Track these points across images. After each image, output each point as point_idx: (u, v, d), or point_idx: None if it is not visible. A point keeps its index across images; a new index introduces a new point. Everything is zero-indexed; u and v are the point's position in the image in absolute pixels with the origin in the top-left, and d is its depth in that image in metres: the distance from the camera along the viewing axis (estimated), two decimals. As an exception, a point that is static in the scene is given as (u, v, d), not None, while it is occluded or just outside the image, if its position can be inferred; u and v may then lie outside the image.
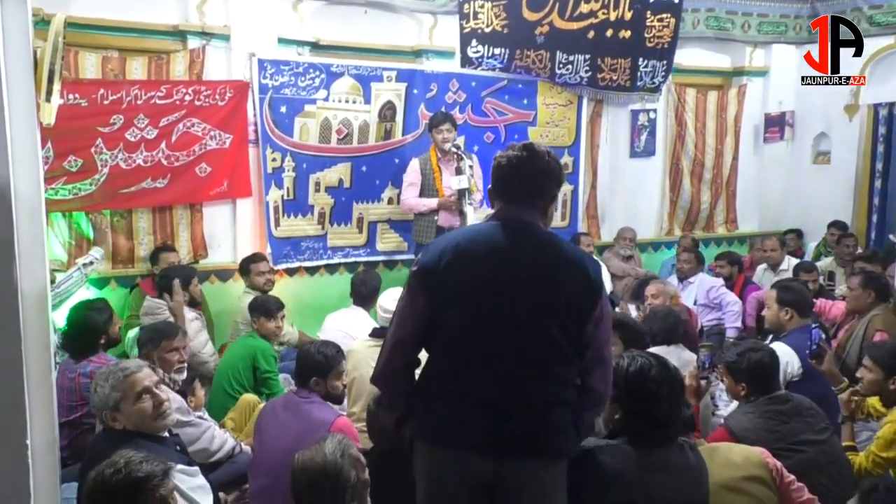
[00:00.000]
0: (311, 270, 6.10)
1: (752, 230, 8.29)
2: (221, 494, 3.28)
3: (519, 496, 2.30)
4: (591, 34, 6.71)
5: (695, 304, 5.95)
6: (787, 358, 3.73)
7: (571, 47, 6.69)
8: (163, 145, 5.30)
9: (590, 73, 6.87)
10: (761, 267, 6.82)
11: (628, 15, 6.81)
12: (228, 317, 5.35)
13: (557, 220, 7.12)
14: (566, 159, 7.08)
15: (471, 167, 5.51)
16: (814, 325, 3.98)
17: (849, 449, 3.29)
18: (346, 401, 3.68)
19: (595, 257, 6.86)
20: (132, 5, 5.26)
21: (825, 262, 6.87)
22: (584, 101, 7.09)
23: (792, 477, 2.58)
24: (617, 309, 5.44)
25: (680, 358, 3.76)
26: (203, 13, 5.43)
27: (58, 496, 2.59)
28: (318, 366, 3.26)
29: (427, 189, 5.72)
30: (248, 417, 3.99)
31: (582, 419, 2.38)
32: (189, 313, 4.68)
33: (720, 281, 6.22)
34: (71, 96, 4.83)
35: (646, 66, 7.14)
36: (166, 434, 2.79)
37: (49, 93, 2.40)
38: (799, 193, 8.33)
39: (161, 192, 5.39)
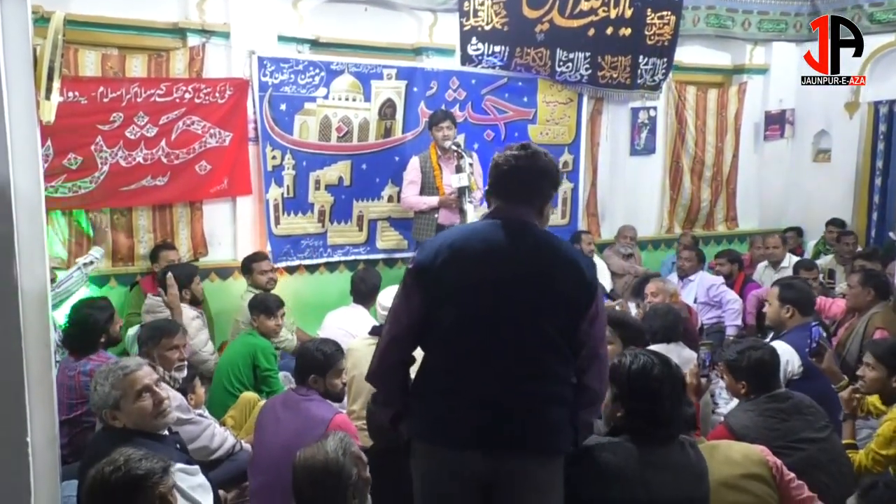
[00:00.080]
0: (311, 268, 6.10)
1: (753, 228, 8.29)
2: (221, 492, 3.28)
3: (516, 494, 2.30)
4: (591, 32, 6.70)
5: (695, 302, 5.95)
6: (788, 356, 3.73)
7: (571, 45, 6.68)
8: (163, 143, 5.30)
9: (590, 71, 6.86)
10: (762, 264, 6.83)
11: (629, 12, 6.80)
12: (228, 315, 5.35)
13: (557, 218, 7.12)
14: (566, 157, 7.08)
15: (471, 165, 5.51)
16: (814, 324, 3.98)
17: (849, 447, 3.28)
18: (345, 398, 3.68)
19: (596, 255, 6.88)
20: (132, 3, 5.25)
21: (825, 260, 6.88)
22: (585, 99, 7.09)
23: (792, 475, 2.59)
24: (617, 306, 5.44)
25: (680, 356, 3.75)
26: (203, 11, 5.43)
27: (58, 493, 2.59)
28: (316, 363, 3.26)
29: (427, 187, 5.71)
30: (248, 415, 4.00)
31: (579, 417, 2.38)
32: (190, 312, 4.68)
33: (720, 279, 6.22)
34: (71, 94, 4.83)
35: (646, 64, 7.13)
36: (166, 432, 2.79)
37: (49, 90, 2.40)
38: (799, 191, 8.34)
39: (161, 189, 5.38)
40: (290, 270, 5.92)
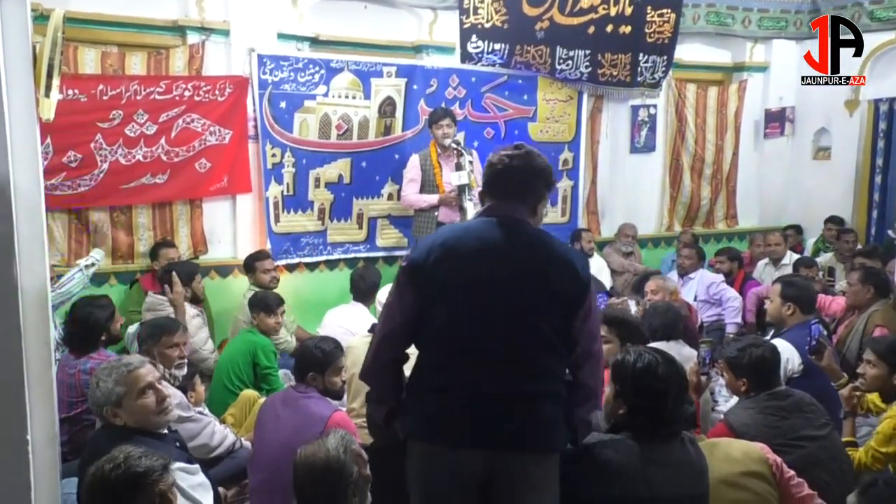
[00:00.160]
0: (311, 266, 6.10)
1: (752, 226, 8.29)
2: (221, 490, 3.29)
3: (513, 492, 2.31)
4: (591, 29, 6.70)
5: (695, 299, 5.95)
6: (788, 354, 3.73)
7: (571, 43, 6.68)
8: (162, 141, 5.29)
9: (590, 69, 6.86)
10: (762, 262, 6.83)
11: (629, 10, 6.80)
12: (228, 313, 5.35)
13: (557, 216, 7.12)
14: (566, 155, 7.08)
15: (471, 163, 5.51)
16: (814, 321, 3.98)
17: (849, 444, 3.29)
18: (345, 396, 3.68)
19: (596, 253, 6.88)
20: (131, 0, 5.24)
21: (825, 258, 6.88)
22: (585, 97, 7.08)
23: (792, 472, 2.59)
24: (620, 304, 5.43)
25: (680, 354, 3.74)
26: (202, 8, 5.42)
27: (58, 491, 2.59)
28: (315, 361, 3.27)
29: (427, 185, 5.71)
30: (248, 413, 4.00)
31: (576, 415, 2.40)
32: (191, 310, 4.68)
33: (720, 277, 6.22)
34: (70, 92, 4.82)
35: (646, 62, 7.13)
36: (165, 431, 2.79)
37: (48, 88, 2.40)
38: (799, 189, 8.33)
39: (161, 187, 5.38)
40: (290, 268, 5.92)
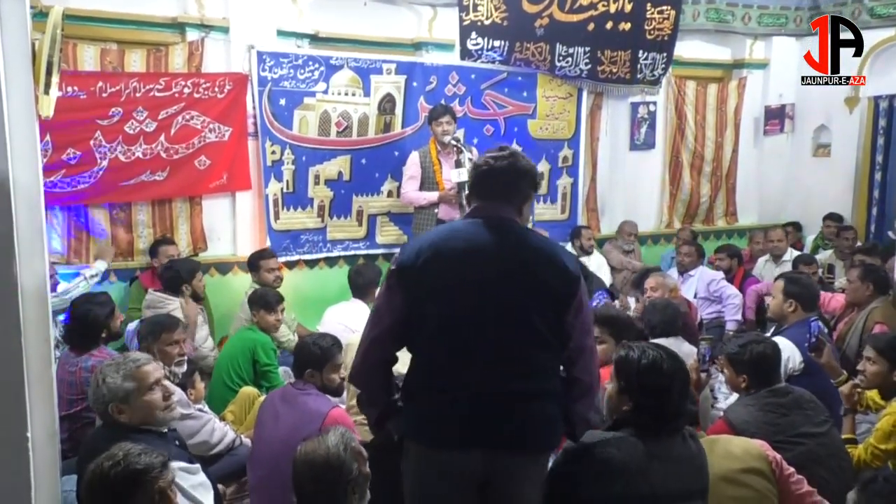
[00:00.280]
0: (311, 263, 6.10)
1: (752, 223, 8.29)
2: (220, 487, 3.29)
3: (509, 490, 2.33)
4: (590, 26, 6.69)
5: (695, 297, 5.95)
6: (789, 353, 3.73)
7: (571, 40, 6.67)
8: (162, 138, 5.29)
9: (589, 66, 6.85)
10: (763, 258, 6.84)
11: (628, 7, 6.79)
12: (228, 310, 5.35)
13: (557, 213, 7.13)
14: (566, 152, 7.08)
15: (471, 160, 5.49)
16: (813, 318, 3.98)
17: (849, 441, 3.29)
18: (345, 394, 3.68)
19: (595, 250, 6.88)
20: (131, -2, 5.25)
21: (825, 255, 6.89)
22: (584, 94, 7.08)
23: (791, 469, 2.59)
24: (616, 302, 5.43)
25: (679, 350, 3.72)
26: (202, 5, 5.42)
27: (58, 488, 2.59)
28: (313, 357, 3.27)
29: (427, 182, 5.71)
30: (248, 410, 4.00)
31: (573, 412, 2.41)
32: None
33: (720, 274, 6.22)
34: (69, 88, 4.82)
35: (646, 59, 7.12)
36: (165, 429, 2.79)
37: (47, 85, 2.39)
38: (799, 186, 8.33)
39: (160, 184, 5.38)
40: (290, 265, 5.92)
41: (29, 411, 2.16)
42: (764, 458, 2.55)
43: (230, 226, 5.80)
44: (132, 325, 4.31)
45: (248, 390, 4.14)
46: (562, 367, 2.43)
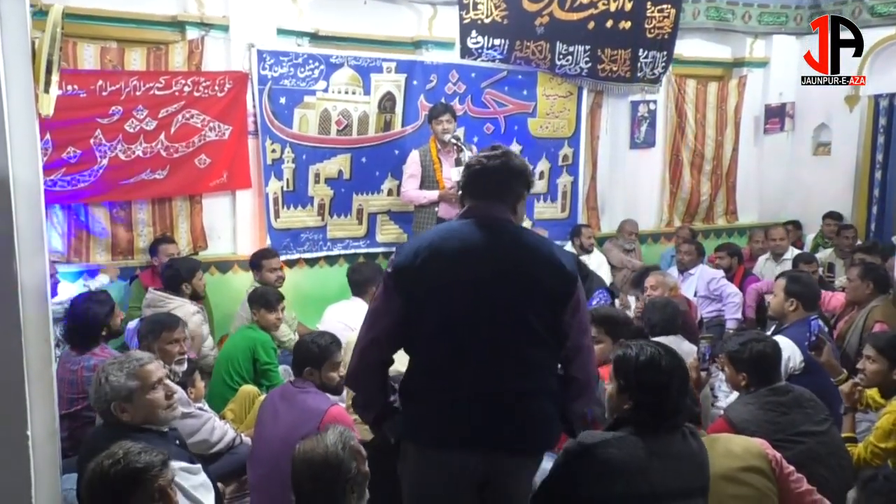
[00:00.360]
0: (311, 262, 6.10)
1: (752, 222, 8.28)
2: (220, 485, 3.29)
3: (506, 490, 2.35)
4: (591, 25, 6.69)
5: (695, 295, 5.95)
6: (790, 352, 3.74)
7: (571, 38, 6.67)
8: (162, 136, 5.29)
9: (590, 64, 6.85)
10: (763, 257, 6.85)
11: (628, 5, 6.79)
12: (228, 308, 5.35)
13: (557, 212, 7.13)
14: (566, 150, 7.08)
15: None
16: (813, 317, 3.98)
17: (849, 440, 3.29)
18: (345, 392, 3.68)
19: (595, 249, 6.88)
20: (130, -4, 5.24)
21: (825, 254, 6.89)
22: (584, 92, 7.08)
23: (791, 468, 2.59)
24: (617, 301, 5.43)
25: (679, 349, 3.71)
26: (202, 4, 5.42)
27: (58, 486, 2.59)
28: (311, 356, 3.27)
29: (427, 181, 5.71)
30: (248, 409, 4.00)
31: (571, 409, 2.42)
32: (191, 307, 4.67)
33: (720, 272, 6.21)
34: (69, 87, 4.82)
35: (646, 57, 7.12)
36: (166, 429, 2.79)
37: (47, 84, 2.39)
38: (799, 185, 8.33)
39: (160, 183, 5.38)
40: (290, 264, 5.92)
41: (29, 410, 2.17)
42: (764, 457, 2.56)
43: (230, 224, 5.80)
44: (132, 324, 4.31)
45: (248, 389, 4.13)
46: (559, 366, 2.43)
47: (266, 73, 5.54)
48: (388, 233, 6.35)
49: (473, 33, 6.26)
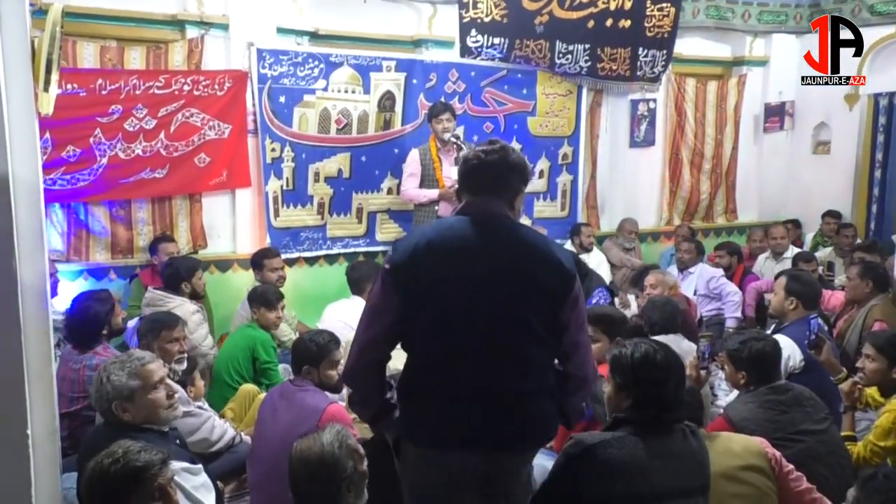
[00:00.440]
0: (311, 261, 6.10)
1: (752, 220, 8.28)
2: (219, 484, 3.29)
3: (506, 487, 2.36)
4: (590, 24, 6.69)
5: (695, 294, 5.96)
6: (790, 351, 3.73)
7: (571, 37, 6.67)
8: (161, 135, 5.29)
9: (589, 63, 6.85)
10: (763, 256, 6.84)
11: (628, 4, 6.79)
12: (228, 307, 5.35)
13: (557, 211, 7.13)
14: (566, 149, 7.08)
15: (471, 157, 5.49)
16: (813, 316, 3.98)
17: (849, 439, 3.29)
18: (344, 390, 3.68)
19: (595, 247, 6.88)
20: (130, -5, 5.24)
21: (824, 252, 6.89)
22: (584, 91, 7.08)
23: (791, 466, 2.60)
24: (616, 299, 5.44)
25: (679, 347, 3.74)
26: (201, 3, 5.41)
27: (58, 485, 2.59)
28: (309, 354, 3.27)
29: (427, 179, 5.71)
30: (248, 408, 4.01)
31: (569, 404, 2.43)
32: (190, 306, 4.67)
33: (720, 271, 6.22)
34: (69, 86, 4.82)
35: (645, 56, 7.12)
36: (166, 428, 2.79)
37: (47, 83, 2.39)
38: (799, 183, 8.33)
39: (160, 182, 5.38)
40: (290, 263, 5.91)
41: (29, 409, 2.17)
42: (763, 456, 2.56)
43: (230, 223, 5.80)
44: (132, 323, 4.31)
45: (248, 388, 4.14)
46: (556, 362, 2.43)
47: (266, 72, 5.54)
48: (388, 232, 6.34)
49: (473, 32, 6.26)
